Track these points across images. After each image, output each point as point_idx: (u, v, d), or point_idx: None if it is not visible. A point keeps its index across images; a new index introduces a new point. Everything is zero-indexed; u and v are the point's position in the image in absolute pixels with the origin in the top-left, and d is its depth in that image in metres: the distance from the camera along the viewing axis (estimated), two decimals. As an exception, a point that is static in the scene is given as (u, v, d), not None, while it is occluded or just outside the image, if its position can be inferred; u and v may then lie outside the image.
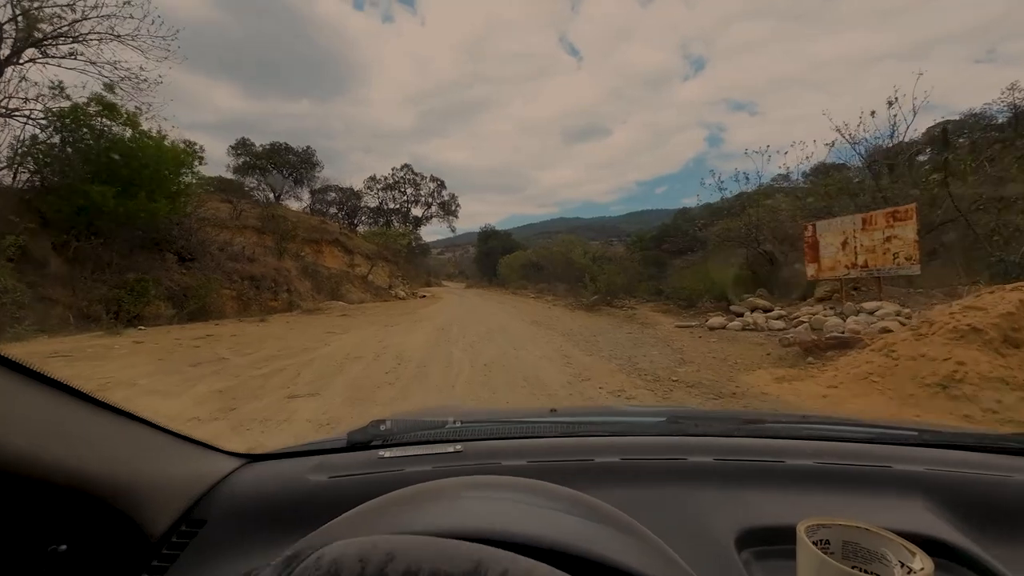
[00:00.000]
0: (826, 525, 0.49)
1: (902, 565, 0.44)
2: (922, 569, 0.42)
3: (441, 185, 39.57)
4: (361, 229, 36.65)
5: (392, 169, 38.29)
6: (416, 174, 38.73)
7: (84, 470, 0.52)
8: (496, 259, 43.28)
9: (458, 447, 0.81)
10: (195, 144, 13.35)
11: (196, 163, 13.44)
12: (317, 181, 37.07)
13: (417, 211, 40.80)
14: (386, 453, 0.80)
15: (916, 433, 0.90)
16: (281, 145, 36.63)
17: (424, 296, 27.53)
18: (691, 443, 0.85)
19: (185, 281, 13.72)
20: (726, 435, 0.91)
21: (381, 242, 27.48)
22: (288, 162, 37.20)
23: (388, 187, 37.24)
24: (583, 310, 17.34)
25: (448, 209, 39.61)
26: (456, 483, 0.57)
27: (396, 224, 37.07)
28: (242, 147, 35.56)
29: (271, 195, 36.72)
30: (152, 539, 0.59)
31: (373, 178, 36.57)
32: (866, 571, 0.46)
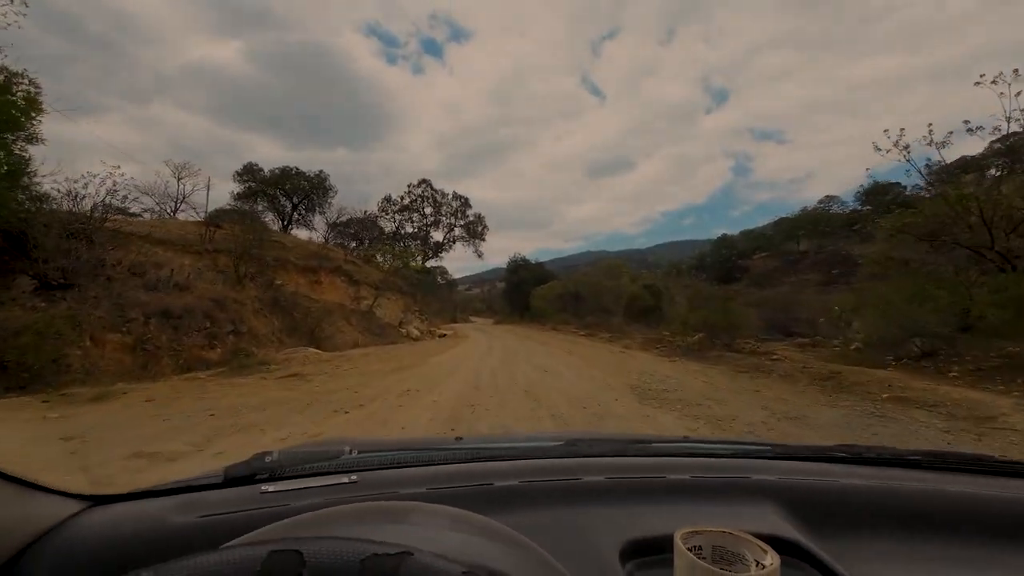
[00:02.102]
0: (699, 532, 0.52)
1: (757, 563, 0.48)
2: (771, 564, 0.47)
3: (465, 204, 33.17)
4: (380, 259, 30.99)
5: (408, 186, 32.36)
6: (435, 191, 32.60)
7: None
8: (527, 291, 36.87)
9: (353, 477, 0.74)
10: (24, 76, 7.37)
11: (34, 118, 7.41)
12: (330, 208, 31.89)
13: (438, 235, 34.08)
14: (269, 487, 0.69)
15: (770, 448, 1.00)
16: (291, 170, 31.95)
17: (444, 335, 21.03)
18: (585, 463, 0.86)
19: (30, 321, 7.64)
20: (617, 455, 0.93)
21: (389, 266, 21.06)
22: (300, 188, 32.41)
23: (404, 208, 31.26)
24: (690, 358, 10.41)
25: (474, 232, 32.93)
26: (332, 512, 0.53)
27: (413, 250, 30.92)
28: (248, 173, 31.07)
29: (279, 223, 31.97)
30: None
31: (388, 199, 30.57)
32: (731, 571, 0.48)
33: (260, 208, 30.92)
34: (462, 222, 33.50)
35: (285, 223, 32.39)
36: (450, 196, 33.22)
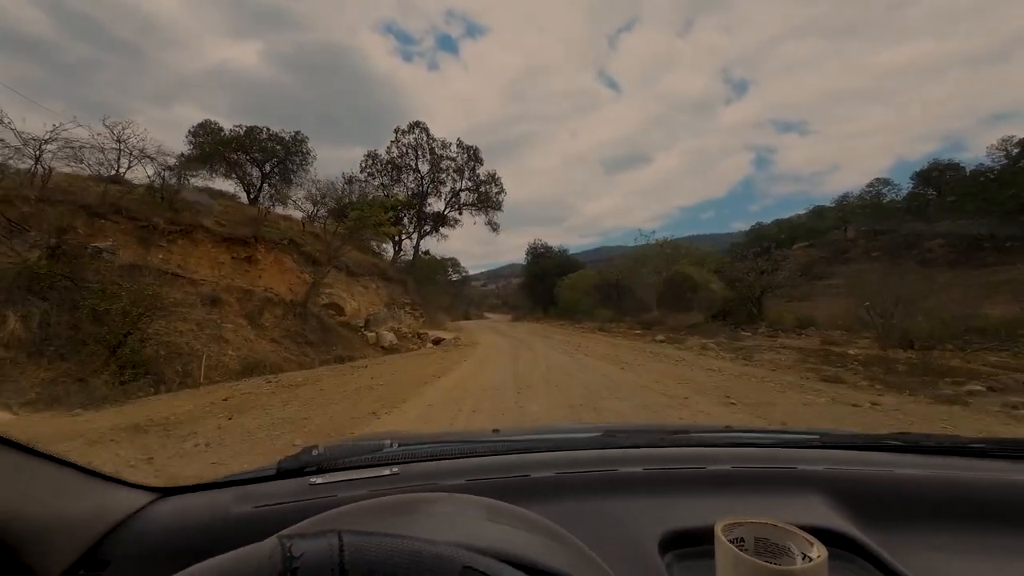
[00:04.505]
0: (741, 524, 0.49)
1: (804, 556, 0.45)
2: (818, 556, 0.43)
3: (474, 157, 22.97)
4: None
5: (396, 132, 22.08)
6: (434, 139, 22.41)
7: None
8: (551, 283, 28.82)
9: (394, 469, 0.73)
10: None
11: None
12: (310, 179, 24.02)
13: (439, 203, 23.94)
14: (317, 479, 0.70)
15: (818, 436, 0.92)
16: (260, 130, 24.32)
17: (441, 340, 13.03)
18: (622, 455, 0.82)
19: None
20: (654, 445, 0.88)
21: (345, 225, 12.35)
22: (272, 152, 24.80)
23: (392, 166, 22.19)
24: None
25: (486, 198, 23.34)
26: (392, 501, 0.53)
27: (406, 223, 22.27)
28: (203, 132, 23.63)
29: (245, 196, 24.50)
30: None
31: (372, 156, 21.46)
32: (775, 564, 0.45)
33: (218, 174, 23.43)
34: (470, 183, 23.71)
35: (254, 196, 24.95)
36: (453, 146, 22.88)
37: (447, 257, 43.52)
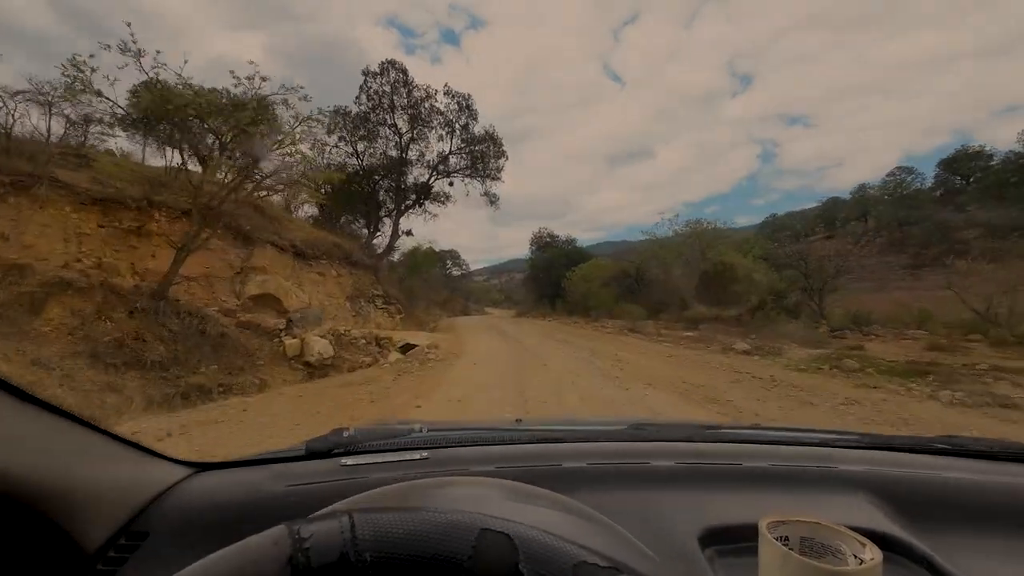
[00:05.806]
0: (785, 522, 0.47)
1: (855, 556, 0.43)
2: (872, 559, 0.41)
3: (466, 109, 17.18)
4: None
5: (365, 75, 16.53)
6: (413, 84, 16.66)
7: (5, 470, 0.42)
8: (558, 275, 24.56)
9: (424, 454, 0.72)
10: None
11: None
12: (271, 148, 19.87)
13: (420, 170, 18.21)
14: (348, 461, 0.70)
15: (859, 437, 0.88)
16: (222, 93, 20.23)
17: (411, 347, 8.78)
18: (653, 448, 0.79)
19: None
20: (686, 440, 0.84)
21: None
22: (237, 122, 20.61)
23: (363, 121, 16.75)
24: None
25: (482, 163, 17.95)
26: (425, 483, 0.54)
27: (383, 199, 17.74)
28: (146, 90, 19.48)
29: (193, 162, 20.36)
30: (86, 552, 0.49)
31: (342, 112, 16.34)
32: (826, 564, 0.44)
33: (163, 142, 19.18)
34: (462, 142, 17.74)
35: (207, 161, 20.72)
36: (440, 94, 17.00)
37: (447, 249, 39.28)
